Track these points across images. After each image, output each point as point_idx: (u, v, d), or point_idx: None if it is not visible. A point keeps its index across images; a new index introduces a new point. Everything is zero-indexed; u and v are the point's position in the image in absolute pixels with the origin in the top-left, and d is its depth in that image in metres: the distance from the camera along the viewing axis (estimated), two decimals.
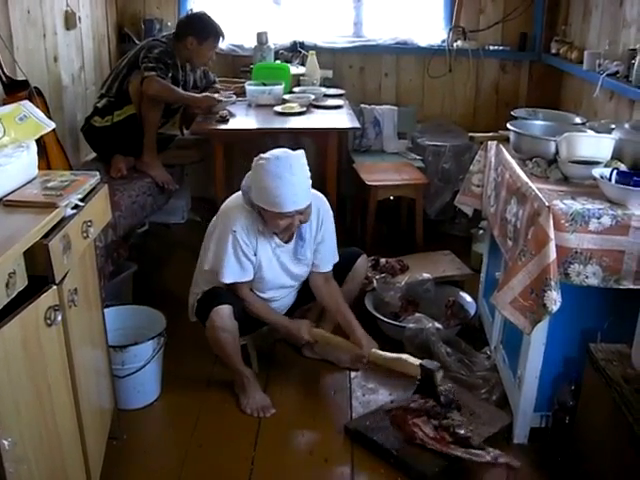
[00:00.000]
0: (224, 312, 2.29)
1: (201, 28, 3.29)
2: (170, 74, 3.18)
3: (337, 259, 2.52)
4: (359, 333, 2.42)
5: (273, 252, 2.37)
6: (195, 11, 3.82)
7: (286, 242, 2.39)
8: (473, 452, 2.04)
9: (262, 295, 2.45)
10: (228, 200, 2.42)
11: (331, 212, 2.47)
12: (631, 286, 1.92)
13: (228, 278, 2.32)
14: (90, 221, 1.74)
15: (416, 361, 2.31)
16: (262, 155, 2.22)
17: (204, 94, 3.40)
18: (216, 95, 3.54)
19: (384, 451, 2.15)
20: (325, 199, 2.47)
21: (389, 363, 2.35)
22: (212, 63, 3.53)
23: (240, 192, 2.36)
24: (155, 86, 3.10)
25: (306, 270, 2.48)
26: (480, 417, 2.24)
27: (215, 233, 2.35)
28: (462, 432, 2.11)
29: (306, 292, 2.56)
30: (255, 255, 2.34)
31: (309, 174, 2.24)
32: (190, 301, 2.49)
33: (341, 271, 2.57)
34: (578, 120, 2.58)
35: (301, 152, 2.26)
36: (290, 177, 2.16)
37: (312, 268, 2.49)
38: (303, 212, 2.25)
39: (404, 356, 2.34)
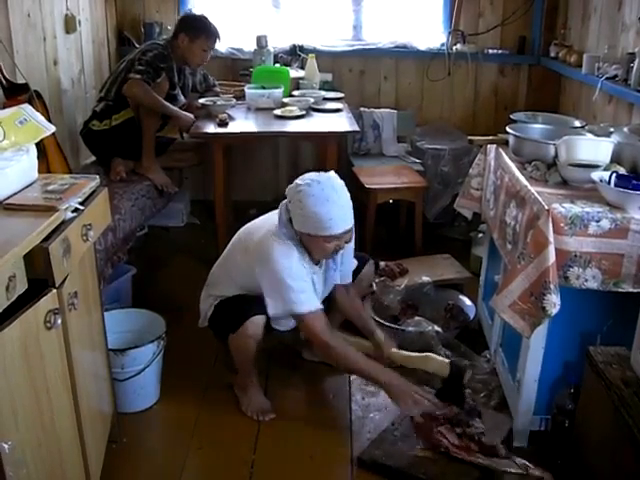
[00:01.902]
0: (260, 322, 2.24)
1: (193, 25, 3.31)
2: (162, 77, 3.16)
3: (355, 264, 2.51)
4: (377, 335, 2.44)
5: (311, 280, 2.29)
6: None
7: (316, 264, 2.31)
8: (501, 462, 2.00)
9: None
10: (258, 242, 2.22)
11: None
12: (630, 289, 1.92)
13: (306, 306, 2.16)
14: (90, 224, 1.73)
15: (444, 359, 2.30)
16: (298, 182, 2.16)
17: (186, 114, 3.32)
18: (215, 98, 3.56)
19: (411, 477, 2.03)
20: None
21: (414, 361, 2.33)
22: (206, 62, 3.49)
23: (255, 226, 2.30)
24: (134, 89, 3.09)
25: (332, 287, 2.45)
26: (485, 422, 2.22)
27: (265, 281, 2.19)
28: (488, 441, 2.07)
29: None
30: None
31: (349, 193, 2.20)
32: (203, 307, 2.45)
33: None
34: (577, 123, 2.59)
35: (334, 173, 2.22)
36: (337, 199, 2.13)
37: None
38: (349, 231, 2.21)
39: (431, 354, 2.35)
